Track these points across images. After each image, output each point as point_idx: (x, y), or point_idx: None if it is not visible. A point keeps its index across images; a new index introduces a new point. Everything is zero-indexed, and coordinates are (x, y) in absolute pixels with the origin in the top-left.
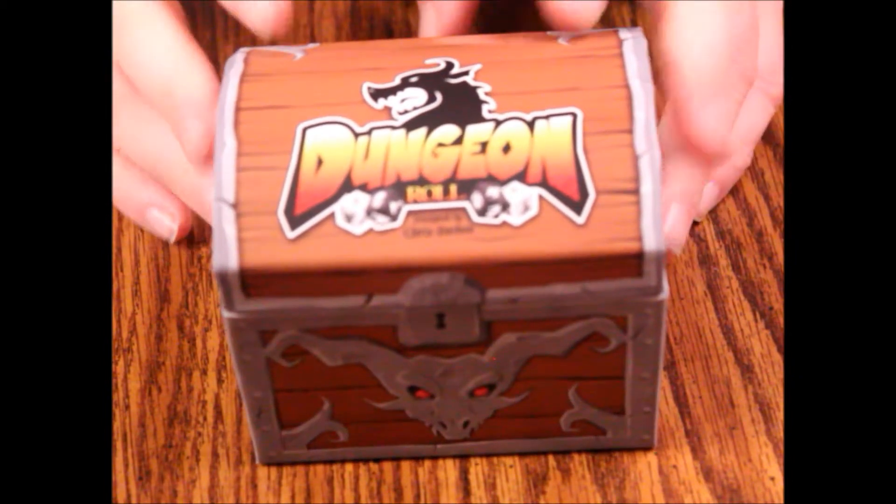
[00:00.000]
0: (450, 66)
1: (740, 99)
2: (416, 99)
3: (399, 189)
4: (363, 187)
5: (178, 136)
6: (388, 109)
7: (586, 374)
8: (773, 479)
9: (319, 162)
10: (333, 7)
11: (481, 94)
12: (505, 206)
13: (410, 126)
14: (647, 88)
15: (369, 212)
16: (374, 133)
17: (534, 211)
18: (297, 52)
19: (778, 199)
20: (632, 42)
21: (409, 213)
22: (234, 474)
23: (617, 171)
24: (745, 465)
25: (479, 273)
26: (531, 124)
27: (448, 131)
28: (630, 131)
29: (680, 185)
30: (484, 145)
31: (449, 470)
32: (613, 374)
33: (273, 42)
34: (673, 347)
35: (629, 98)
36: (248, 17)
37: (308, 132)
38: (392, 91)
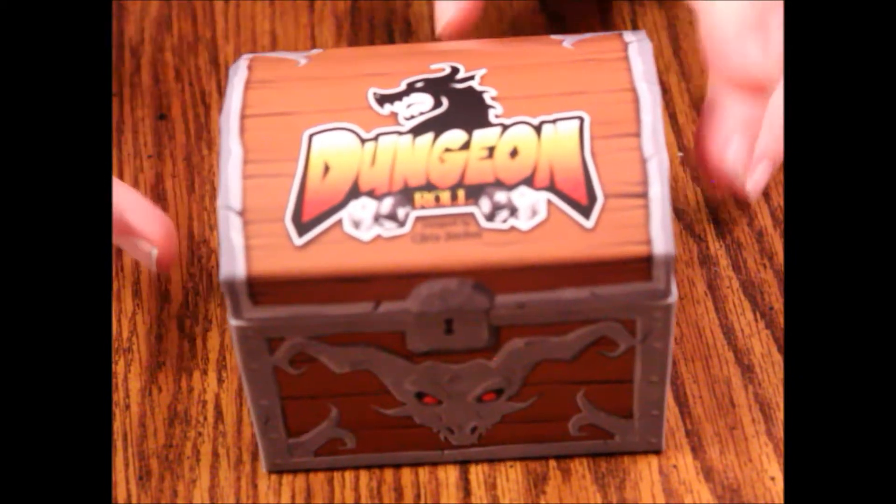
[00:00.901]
0: (455, 70)
1: (777, 24)
2: (422, 104)
3: (407, 195)
4: (370, 193)
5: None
6: (394, 115)
7: (594, 378)
8: (773, 479)
9: (326, 168)
10: (333, 7)
11: (487, 98)
12: (513, 211)
13: (417, 131)
14: (653, 91)
15: (377, 218)
16: (381, 139)
17: (542, 215)
18: (300, 58)
19: (778, 199)
20: (637, 45)
21: (417, 218)
22: (234, 474)
23: (625, 175)
24: (745, 465)
25: (488, 278)
26: (538, 128)
27: (455, 136)
28: (637, 134)
29: (734, 119)
30: (491, 150)
31: (449, 470)
32: (622, 378)
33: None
34: (673, 347)
35: (636, 101)
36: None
37: (314, 138)
38: (398, 96)
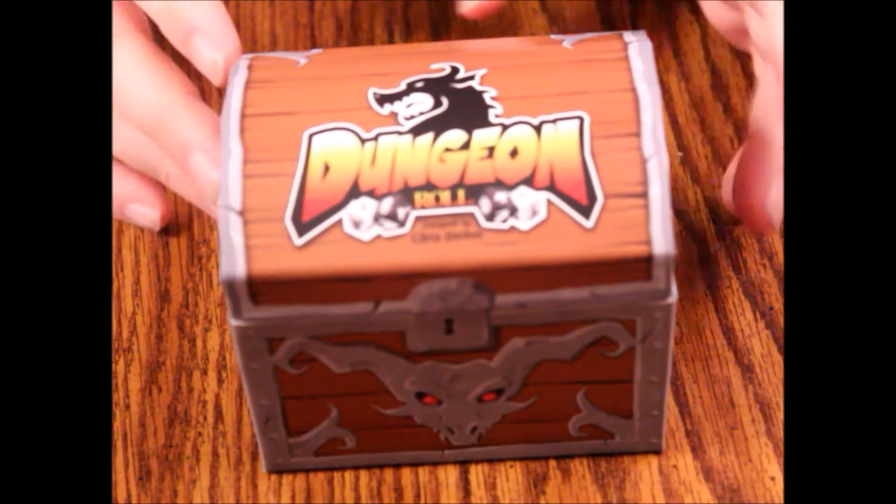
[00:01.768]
0: (455, 70)
1: None
2: (422, 104)
3: (407, 195)
4: (370, 193)
5: (185, 172)
6: (394, 115)
7: (594, 378)
8: (773, 479)
9: (326, 168)
10: (333, 7)
11: (487, 98)
12: (513, 211)
13: (417, 131)
14: (653, 91)
15: (377, 218)
16: (381, 139)
17: (542, 215)
18: (300, 58)
19: None
20: (637, 45)
21: (417, 218)
22: (234, 474)
23: (625, 175)
24: (745, 465)
25: (488, 278)
26: (538, 128)
27: (455, 136)
28: (637, 134)
29: (781, 159)
30: (491, 150)
31: (449, 470)
32: (622, 378)
33: None
34: (673, 347)
35: (636, 101)
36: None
37: (314, 138)
38: (398, 96)
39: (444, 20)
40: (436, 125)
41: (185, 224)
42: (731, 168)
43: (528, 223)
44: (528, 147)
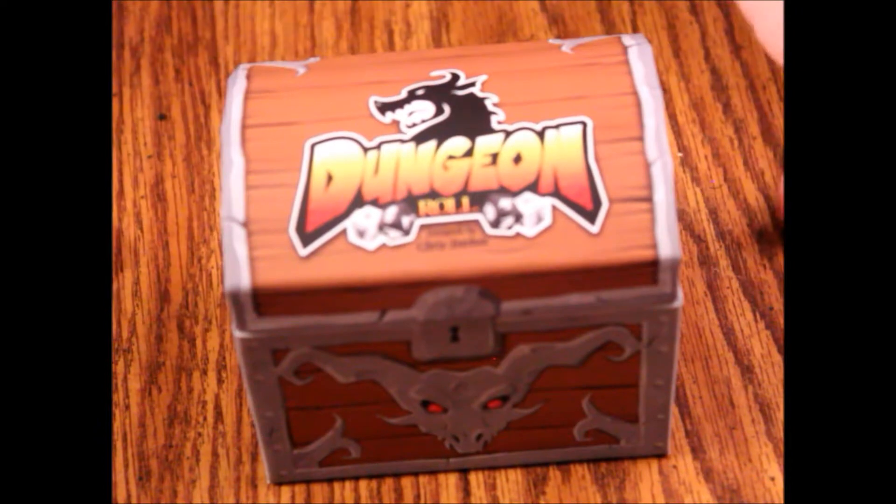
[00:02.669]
0: (455, 77)
1: None
2: (423, 112)
3: (411, 203)
4: (374, 202)
5: None
6: (396, 123)
7: (600, 384)
8: (773, 479)
9: (329, 178)
10: (333, 7)
11: (489, 105)
12: (518, 217)
13: (420, 139)
14: (655, 95)
15: (381, 227)
16: (384, 147)
17: (547, 221)
18: (299, 66)
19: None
20: (637, 49)
21: (422, 226)
22: (233, 474)
23: (629, 180)
24: (745, 465)
25: (494, 285)
26: (541, 134)
27: (458, 143)
28: (641, 139)
29: None
30: (495, 157)
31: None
32: (627, 383)
33: None
34: None
35: (638, 105)
36: None
37: (316, 148)
38: (399, 104)
39: (444, 20)
40: (438, 133)
41: (184, 225)
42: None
43: (533, 229)
44: (532, 153)
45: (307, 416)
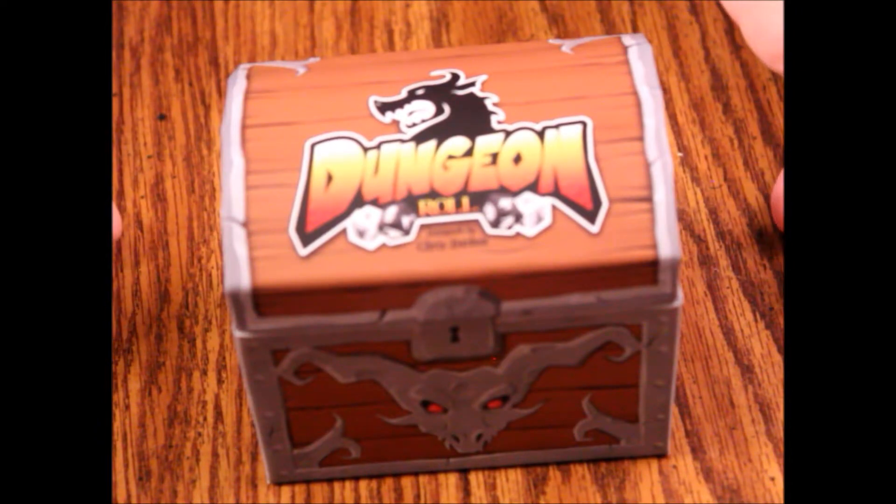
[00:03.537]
0: (455, 77)
1: None
2: (423, 111)
3: (411, 203)
4: (374, 202)
5: None
6: (396, 123)
7: (600, 384)
8: (773, 479)
9: (329, 178)
10: (333, 7)
11: (489, 104)
12: (518, 217)
13: (420, 139)
14: (655, 95)
15: (381, 227)
16: (384, 147)
17: (547, 221)
18: (299, 66)
19: None
20: (637, 49)
21: (422, 226)
22: (233, 474)
23: (629, 179)
24: (745, 465)
25: (494, 285)
26: (541, 134)
27: (458, 143)
28: (641, 139)
29: None
30: (495, 156)
31: (450, 470)
32: (628, 383)
33: None
34: None
35: (638, 105)
36: None
37: (316, 148)
38: (399, 104)
39: (444, 20)
40: (438, 132)
41: (184, 224)
42: (779, 188)
43: (533, 229)
44: (532, 153)
45: (307, 416)
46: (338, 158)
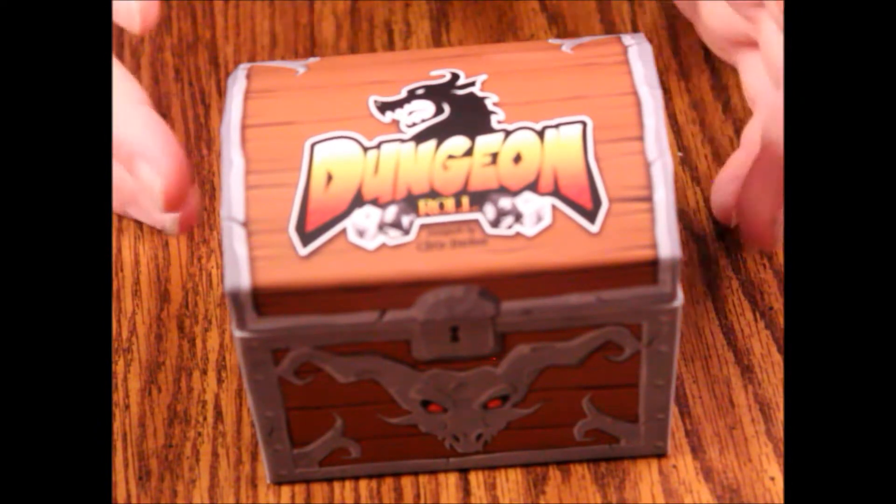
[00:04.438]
0: (455, 77)
1: None
2: (423, 111)
3: (411, 202)
4: (374, 202)
5: (134, 177)
6: (395, 122)
7: (600, 383)
8: (773, 479)
9: (329, 177)
10: (333, 7)
11: (489, 104)
12: (518, 217)
13: (419, 139)
14: (655, 95)
15: (381, 226)
16: (384, 147)
17: (547, 221)
18: (299, 66)
19: None
20: (637, 49)
21: (422, 226)
22: (233, 474)
23: (629, 179)
24: (745, 465)
25: (494, 285)
26: (541, 134)
27: (458, 143)
28: (641, 138)
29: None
30: (494, 156)
31: (449, 470)
32: (627, 382)
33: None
34: None
35: (638, 105)
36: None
37: (316, 148)
38: (399, 104)
39: (444, 20)
40: (438, 132)
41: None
42: (724, 176)
43: (533, 229)
44: (532, 152)
45: (307, 416)
46: (338, 158)
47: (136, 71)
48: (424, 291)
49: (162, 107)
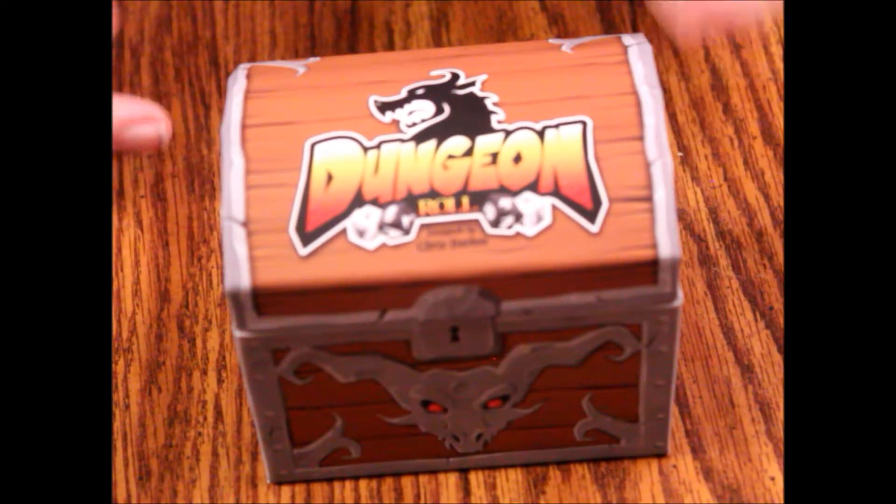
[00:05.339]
0: (455, 77)
1: None
2: (423, 111)
3: (411, 202)
4: (374, 202)
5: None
6: (395, 122)
7: (600, 383)
8: (773, 479)
9: (329, 177)
10: (333, 7)
11: (489, 104)
12: (518, 217)
13: (420, 139)
14: (655, 95)
15: (381, 226)
16: (384, 147)
17: (547, 221)
18: (298, 66)
19: (778, 199)
20: (637, 49)
21: (422, 226)
22: (233, 474)
23: (629, 179)
24: (745, 465)
25: (494, 285)
26: (541, 134)
27: (458, 143)
28: (641, 138)
29: None
30: (495, 156)
31: (450, 470)
32: (628, 382)
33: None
34: None
35: (638, 105)
36: None
37: (316, 147)
38: (399, 104)
39: (444, 20)
40: (438, 132)
41: (184, 224)
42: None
43: (533, 229)
44: (532, 152)
45: (307, 415)
46: (338, 158)
47: (136, 71)
48: (424, 291)
49: (162, 106)
